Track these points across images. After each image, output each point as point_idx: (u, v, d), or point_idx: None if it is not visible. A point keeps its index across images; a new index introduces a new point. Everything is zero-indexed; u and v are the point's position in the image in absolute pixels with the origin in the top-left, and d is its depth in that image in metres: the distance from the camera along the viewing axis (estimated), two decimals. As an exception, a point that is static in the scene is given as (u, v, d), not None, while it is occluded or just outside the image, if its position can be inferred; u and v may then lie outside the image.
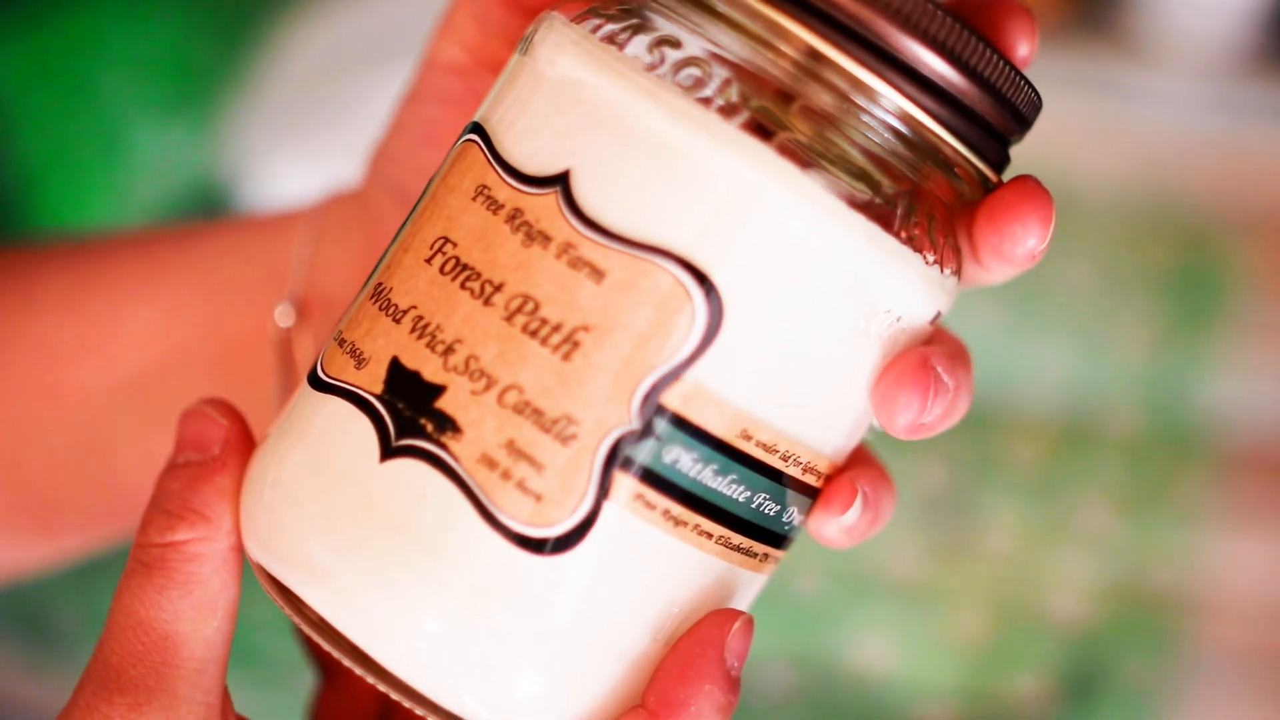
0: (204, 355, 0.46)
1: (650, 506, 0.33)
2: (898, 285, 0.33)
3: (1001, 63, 0.34)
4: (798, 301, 0.33)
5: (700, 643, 0.33)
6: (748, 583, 0.35)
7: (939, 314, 0.35)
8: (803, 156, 0.33)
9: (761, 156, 0.32)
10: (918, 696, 0.73)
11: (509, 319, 0.32)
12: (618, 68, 0.33)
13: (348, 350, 0.34)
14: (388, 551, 0.32)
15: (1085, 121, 1.07)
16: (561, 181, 0.33)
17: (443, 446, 0.32)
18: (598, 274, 0.32)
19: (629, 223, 0.32)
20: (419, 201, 0.35)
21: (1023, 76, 0.35)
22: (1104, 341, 0.91)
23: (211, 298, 0.47)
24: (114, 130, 0.92)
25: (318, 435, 0.34)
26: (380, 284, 0.34)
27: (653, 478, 0.33)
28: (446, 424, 0.32)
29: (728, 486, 0.33)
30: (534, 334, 0.32)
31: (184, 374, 0.46)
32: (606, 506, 0.33)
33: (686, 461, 0.33)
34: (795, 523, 0.35)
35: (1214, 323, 0.92)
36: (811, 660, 0.74)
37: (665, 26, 0.34)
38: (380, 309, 0.34)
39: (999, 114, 0.34)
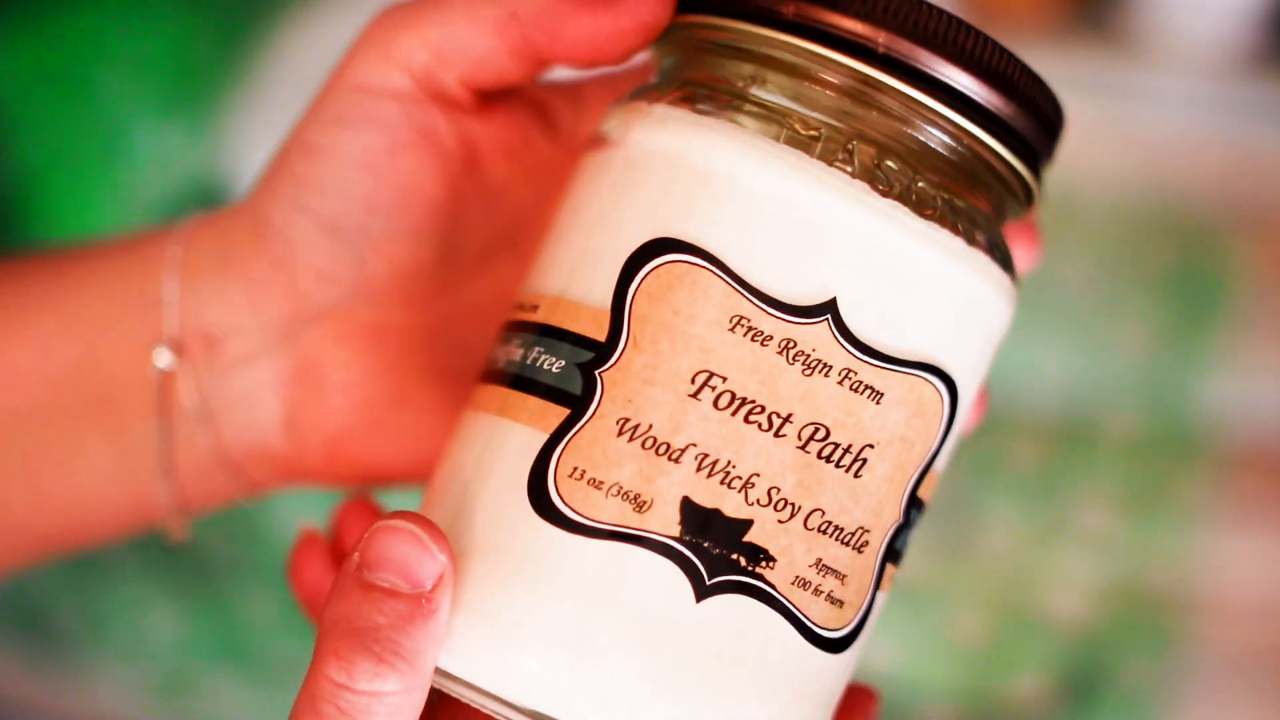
0: (81, 395, 0.44)
1: (891, 582, 0.37)
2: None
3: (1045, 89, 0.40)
4: (984, 368, 0.38)
5: None
6: None
7: None
8: (996, 250, 0.37)
9: (984, 267, 0.36)
10: (918, 696, 0.73)
11: (803, 448, 0.34)
12: (843, 188, 0.35)
13: (616, 493, 0.34)
14: (718, 685, 0.34)
15: (1085, 121, 1.07)
16: (831, 310, 0.34)
17: (759, 577, 0.34)
18: (877, 395, 0.35)
19: (898, 343, 0.35)
20: (627, 326, 0.35)
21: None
22: (1104, 341, 0.90)
23: (83, 334, 0.44)
24: (114, 130, 0.92)
25: (598, 583, 0.34)
26: (627, 419, 0.34)
27: (896, 558, 0.37)
28: (759, 555, 0.34)
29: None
30: (828, 459, 0.34)
31: (64, 413, 0.44)
32: (879, 596, 0.37)
33: (912, 537, 0.38)
34: None
35: (1214, 323, 0.92)
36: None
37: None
38: (646, 448, 0.34)
39: (1045, 137, 0.40)
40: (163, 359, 0.43)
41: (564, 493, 0.34)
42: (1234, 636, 0.75)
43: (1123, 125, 1.07)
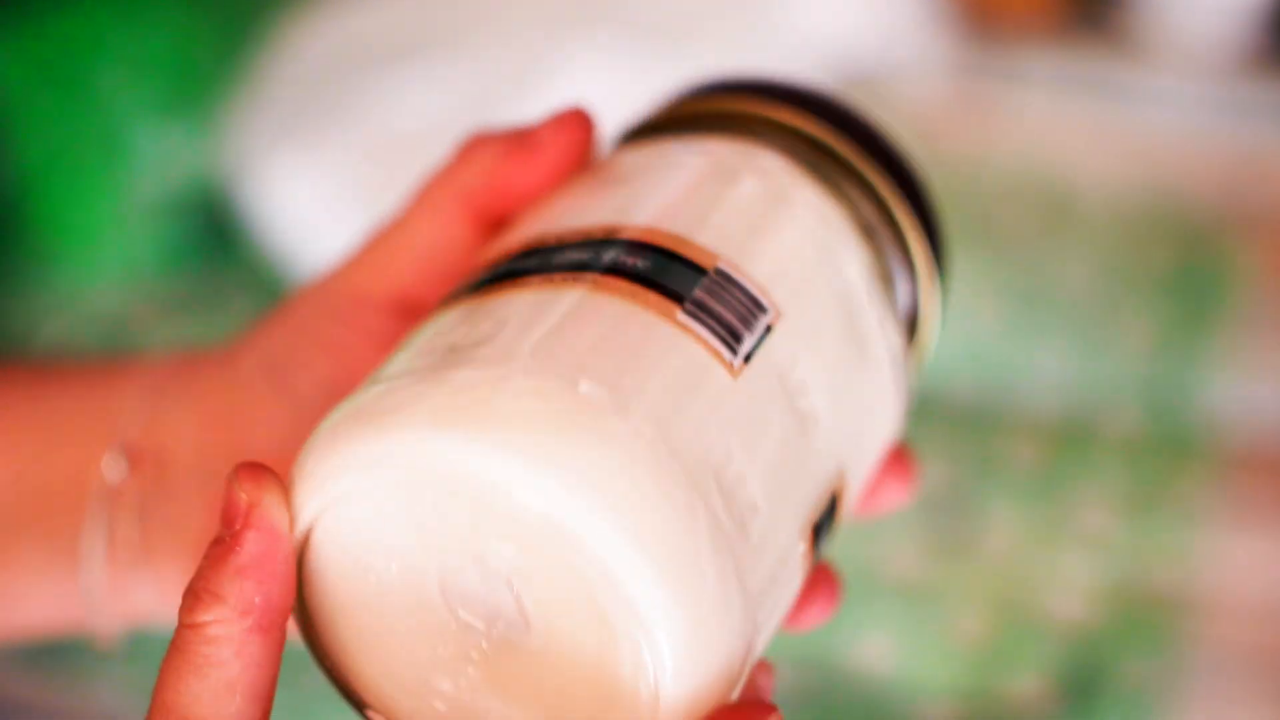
0: (21, 495, 0.46)
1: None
2: None
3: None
4: None
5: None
6: None
7: None
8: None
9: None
10: (918, 696, 0.73)
11: None
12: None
13: None
14: None
15: (1085, 121, 1.07)
16: None
17: None
18: None
19: None
20: None
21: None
22: (1104, 342, 0.90)
23: (35, 438, 0.46)
24: (114, 130, 0.92)
25: None
26: None
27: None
28: None
29: None
30: None
31: (2, 510, 0.46)
32: None
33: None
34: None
35: (1214, 323, 0.92)
36: (811, 660, 0.74)
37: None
38: None
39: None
40: (114, 468, 0.45)
41: None
42: (1234, 636, 0.75)
43: (1123, 125, 1.07)
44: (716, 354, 0.35)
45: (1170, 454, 0.84)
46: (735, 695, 0.34)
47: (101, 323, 0.90)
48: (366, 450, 0.33)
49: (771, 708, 0.34)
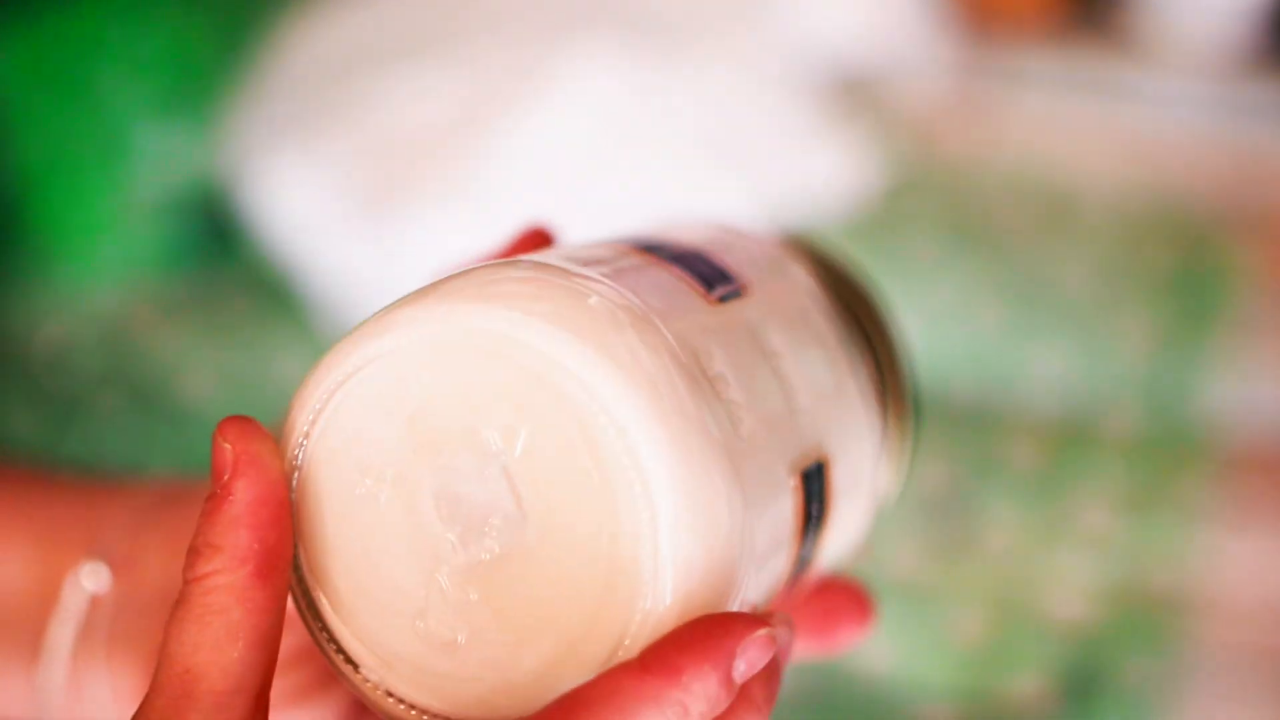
0: None
1: None
2: None
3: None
4: None
5: (719, 626, 0.33)
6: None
7: None
8: None
9: None
10: (918, 696, 0.73)
11: None
12: None
13: None
14: None
15: (1085, 121, 1.07)
16: None
17: None
18: None
19: None
20: None
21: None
22: (1104, 342, 0.90)
23: (8, 544, 0.48)
24: (114, 130, 0.92)
25: None
26: None
27: None
28: None
29: None
30: None
31: None
32: None
33: None
34: None
35: (1214, 323, 0.92)
36: (811, 660, 0.74)
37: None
38: None
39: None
40: (95, 578, 0.46)
41: None
42: (1234, 636, 0.75)
43: (1123, 125, 1.07)
44: (694, 287, 0.39)
45: (1170, 454, 0.84)
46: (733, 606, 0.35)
47: (101, 323, 0.90)
48: (361, 345, 0.35)
49: (765, 622, 0.34)
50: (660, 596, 0.33)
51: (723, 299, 0.39)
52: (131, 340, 0.89)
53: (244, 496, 0.34)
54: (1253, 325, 0.92)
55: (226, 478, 0.34)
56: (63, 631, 0.45)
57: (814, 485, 0.39)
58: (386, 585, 0.35)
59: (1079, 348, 0.90)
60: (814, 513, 0.39)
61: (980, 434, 0.84)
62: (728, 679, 0.33)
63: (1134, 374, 0.88)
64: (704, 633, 0.33)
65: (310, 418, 0.35)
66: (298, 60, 0.96)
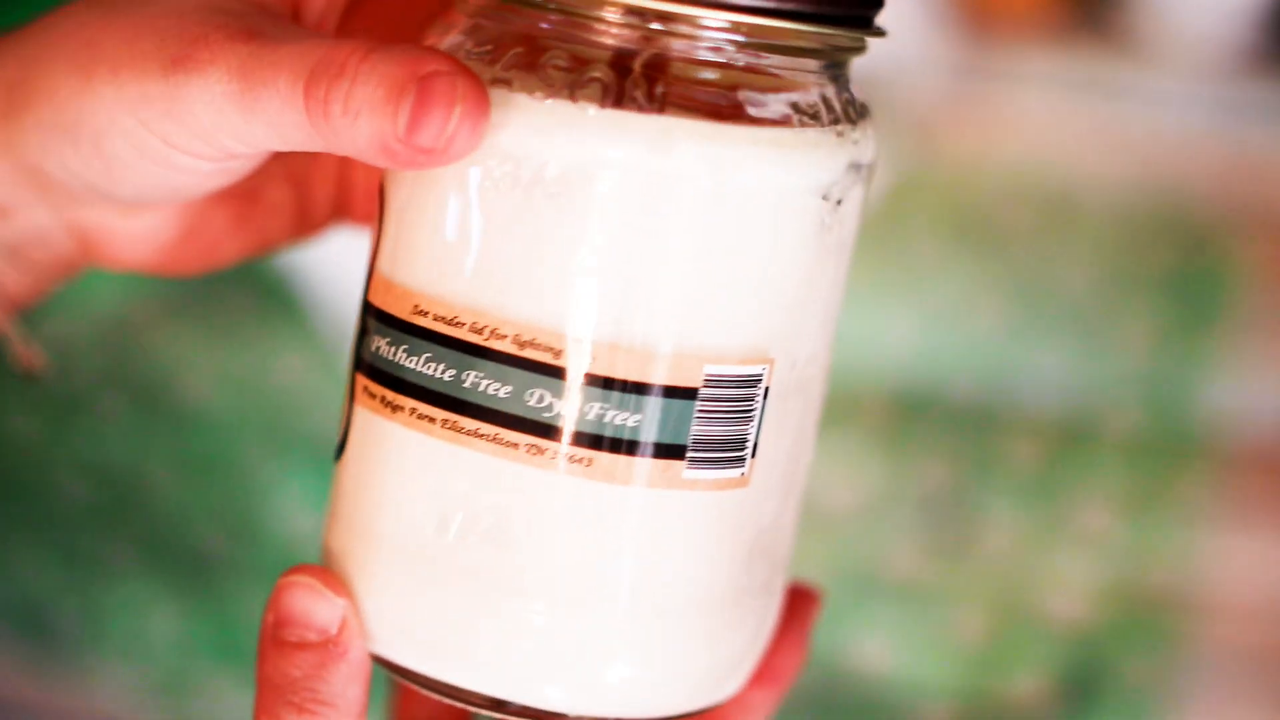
0: None
1: (371, 396, 0.35)
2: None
3: None
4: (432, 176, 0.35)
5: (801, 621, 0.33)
6: (553, 486, 0.34)
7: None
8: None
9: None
10: (918, 696, 0.73)
11: None
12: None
13: None
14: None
15: (1085, 121, 1.07)
16: None
17: None
18: None
19: None
20: None
21: None
22: (1104, 342, 0.91)
23: None
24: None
25: None
26: None
27: (369, 370, 0.35)
28: None
29: (424, 365, 0.34)
30: None
31: None
32: (355, 410, 0.36)
33: (383, 346, 0.35)
34: (556, 410, 0.34)
35: (1214, 323, 0.92)
36: (811, 660, 0.74)
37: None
38: None
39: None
40: None
41: None
42: (1234, 636, 0.75)
43: (1123, 125, 1.07)
44: None
45: (1170, 454, 0.84)
46: None
47: (101, 323, 0.90)
48: None
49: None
50: None
51: None
52: (131, 340, 0.89)
53: (356, 652, 0.34)
54: (1253, 325, 0.92)
55: (336, 632, 0.34)
56: None
57: None
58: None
59: (1079, 348, 0.90)
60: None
61: (980, 434, 0.84)
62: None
63: (1134, 374, 0.88)
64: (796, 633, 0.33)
65: None
66: (298, 60, 0.96)
